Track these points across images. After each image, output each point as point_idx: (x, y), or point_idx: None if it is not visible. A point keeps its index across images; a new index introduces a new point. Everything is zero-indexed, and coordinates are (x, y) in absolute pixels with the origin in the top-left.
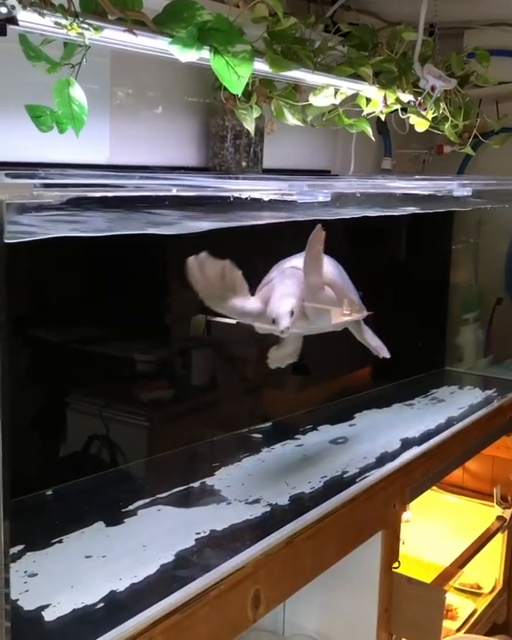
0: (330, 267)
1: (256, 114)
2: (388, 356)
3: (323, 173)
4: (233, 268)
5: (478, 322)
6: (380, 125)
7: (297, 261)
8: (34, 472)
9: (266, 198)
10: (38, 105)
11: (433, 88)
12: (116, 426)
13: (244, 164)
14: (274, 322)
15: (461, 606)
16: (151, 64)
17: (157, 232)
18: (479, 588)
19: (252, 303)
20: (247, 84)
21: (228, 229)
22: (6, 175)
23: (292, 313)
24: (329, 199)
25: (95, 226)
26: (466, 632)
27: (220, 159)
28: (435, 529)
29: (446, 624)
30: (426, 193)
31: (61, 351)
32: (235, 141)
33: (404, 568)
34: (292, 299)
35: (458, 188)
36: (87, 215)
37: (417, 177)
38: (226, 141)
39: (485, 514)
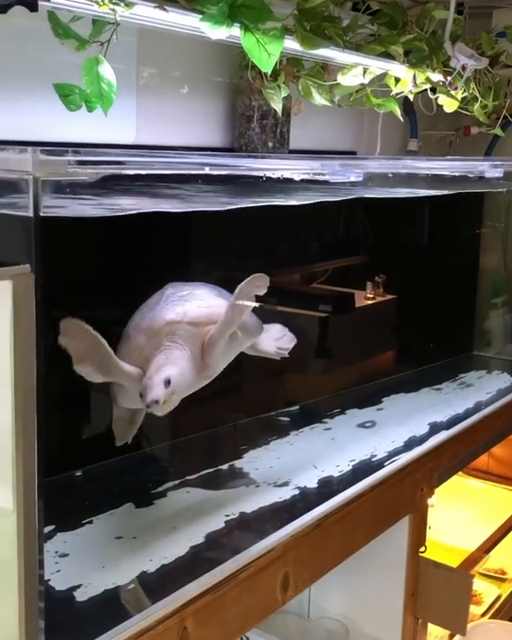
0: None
1: (284, 93)
2: (286, 352)
3: (348, 155)
4: (99, 345)
5: (507, 306)
6: (407, 106)
7: (169, 313)
8: (63, 453)
9: (297, 178)
10: (67, 83)
11: (464, 67)
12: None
13: (270, 144)
14: (141, 395)
15: (486, 591)
16: (177, 43)
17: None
18: (504, 573)
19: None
20: (275, 62)
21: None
22: (42, 152)
23: (167, 382)
24: (361, 179)
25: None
26: (490, 617)
27: (246, 139)
28: (459, 514)
29: (471, 609)
30: (456, 174)
31: None
32: (261, 121)
33: (429, 553)
34: (172, 366)
35: (489, 168)
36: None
37: (448, 157)
38: (252, 121)
39: (510, 499)
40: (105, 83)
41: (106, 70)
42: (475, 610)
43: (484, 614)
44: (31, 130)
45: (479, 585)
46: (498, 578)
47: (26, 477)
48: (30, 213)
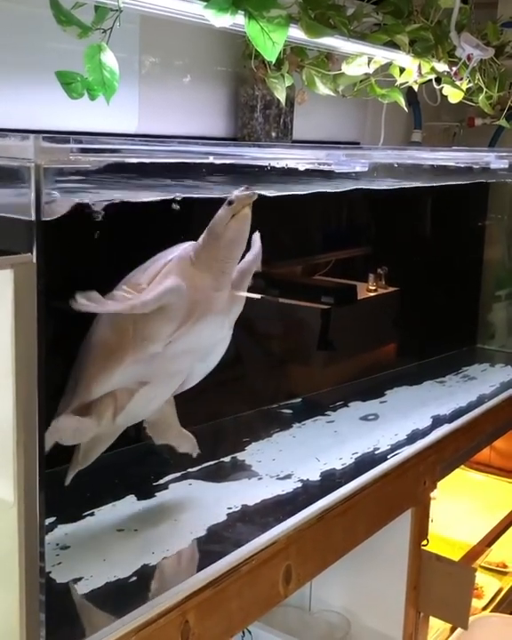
0: None
1: (288, 83)
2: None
3: (352, 145)
4: None
5: (511, 299)
6: (411, 97)
7: None
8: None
9: (301, 168)
10: (69, 71)
11: (469, 57)
12: None
13: (273, 134)
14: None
15: (487, 585)
16: (180, 32)
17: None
18: (505, 566)
19: None
20: (279, 51)
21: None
22: (44, 139)
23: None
24: (366, 169)
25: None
26: (491, 611)
27: (250, 129)
28: (461, 507)
29: (472, 603)
30: (461, 165)
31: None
32: (264, 111)
33: (431, 546)
34: None
35: (495, 159)
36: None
37: (453, 148)
38: (255, 111)
39: None
40: (107, 71)
41: (108, 58)
42: (476, 603)
43: (485, 608)
44: (32, 118)
45: (481, 578)
46: (499, 571)
47: (27, 469)
48: (32, 201)
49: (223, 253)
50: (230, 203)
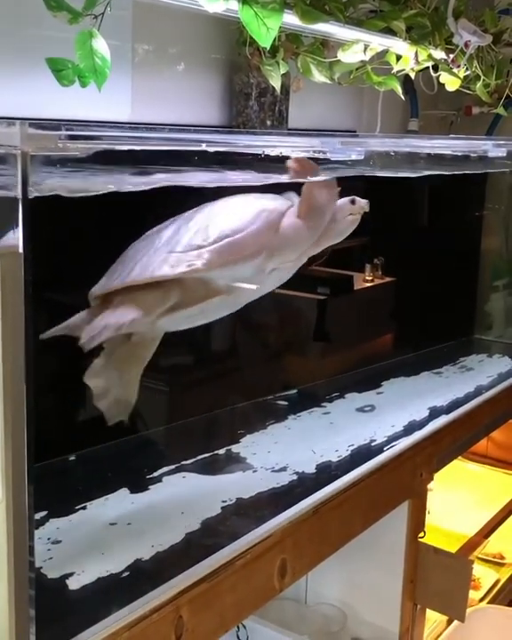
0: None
1: (283, 70)
2: None
3: (348, 134)
4: None
5: (508, 289)
6: (407, 85)
7: None
8: (56, 437)
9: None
10: (60, 58)
11: (467, 44)
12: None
13: (268, 122)
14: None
15: (484, 576)
16: (173, 18)
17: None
18: (502, 557)
19: None
20: (274, 38)
21: None
22: (31, 125)
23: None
24: (362, 157)
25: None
26: (488, 602)
27: (244, 117)
28: (458, 498)
29: (469, 594)
30: (459, 153)
31: None
32: (259, 99)
33: (428, 538)
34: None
35: (493, 148)
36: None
37: (451, 136)
38: (250, 99)
39: (509, 483)
40: (98, 57)
41: (99, 44)
42: (473, 594)
43: (482, 599)
44: (23, 106)
45: (478, 569)
46: (496, 562)
47: (15, 463)
48: (18, 189)
49: (326, 237)
50: (353, 201)
